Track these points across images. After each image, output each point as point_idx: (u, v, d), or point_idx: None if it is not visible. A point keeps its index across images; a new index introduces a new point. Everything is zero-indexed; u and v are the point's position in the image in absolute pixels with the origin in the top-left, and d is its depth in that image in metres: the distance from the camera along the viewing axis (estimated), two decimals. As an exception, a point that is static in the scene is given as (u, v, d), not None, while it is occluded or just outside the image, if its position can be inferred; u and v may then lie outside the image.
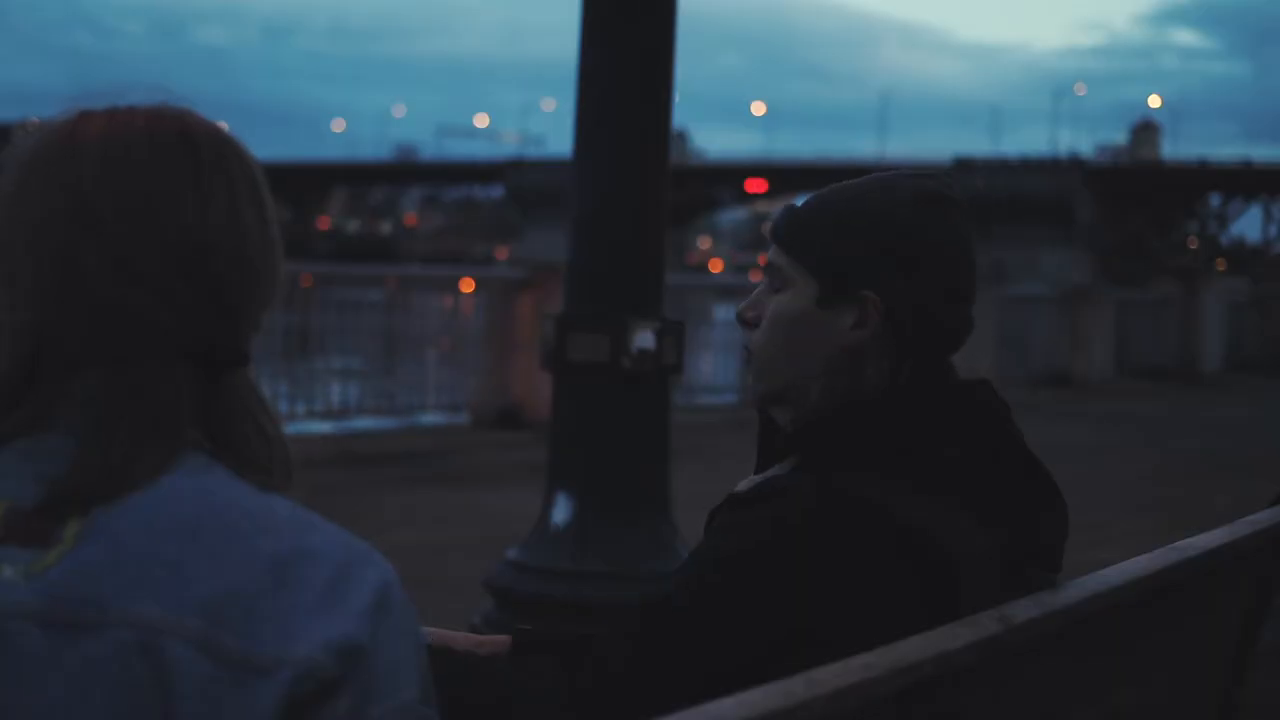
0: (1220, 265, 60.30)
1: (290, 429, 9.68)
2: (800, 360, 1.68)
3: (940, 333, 1.68)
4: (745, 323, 1.75)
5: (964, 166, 65.67)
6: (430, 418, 11.52)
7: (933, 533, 1.53)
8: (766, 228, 1.78)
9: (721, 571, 1.57)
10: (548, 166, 69.08)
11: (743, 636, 1.53)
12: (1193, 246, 67.38)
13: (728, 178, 74.95)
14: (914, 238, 1.66)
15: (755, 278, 1.91)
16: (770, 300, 1.72)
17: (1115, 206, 64.19)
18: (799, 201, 1.77)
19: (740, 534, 1.58)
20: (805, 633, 1.51)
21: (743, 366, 1.79)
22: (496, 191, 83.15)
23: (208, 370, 1.08)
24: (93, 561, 0.99)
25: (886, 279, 1.65)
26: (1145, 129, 79.18)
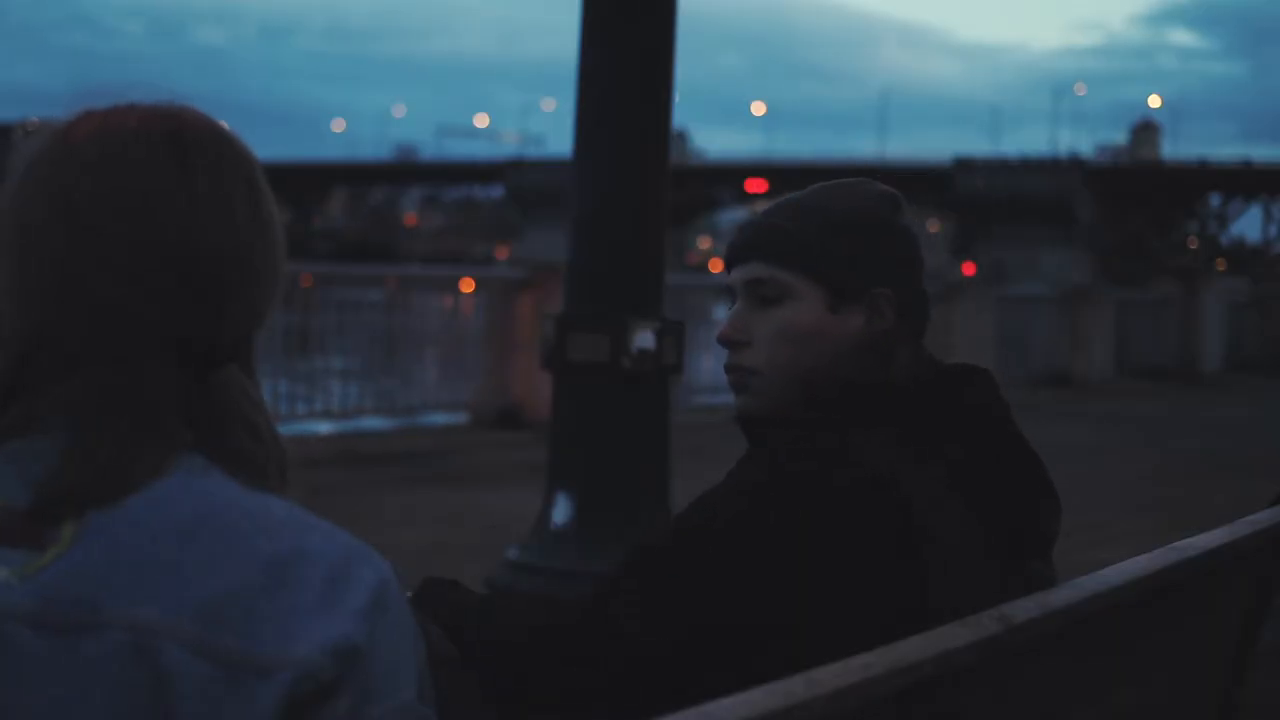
0: (1220, 265, 60.32)
1: (290, 429, 9.59)
2: (813, 369, 1.70)
3: (927, 320, 1.77)
4: (734, 344, 1.75)
5: (964, 166, 65.72)
6: (430, 418, 11.51)
7: (913, 503, 1.56)
8: (734, 246, 1.79)
9: (720, 517, 1.58)
10: (548, 166, 69.12)
11: (738, 580, 1.54)
12: (1193, 246, 67.39)
13: (728, 178, 74.95)
14: (900, 234, 1.76)
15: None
16: (759, 317, 1.73)
17: (1115, 206, 64.21)
18: (760, 217, 1.80)
19: (739, 480, 1.60)
20: (789, 588, 1.52)
21: (737, 387, 1.78)
22: (496, 191, 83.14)
23: (203, 370, 1.08)
24: (88, 563, 0.98)
25: (893, 276, 1.72)
26: (1145, 129, 79.21)
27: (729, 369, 1.77)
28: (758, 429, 1.73)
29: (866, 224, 1.74)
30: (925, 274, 1.79)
